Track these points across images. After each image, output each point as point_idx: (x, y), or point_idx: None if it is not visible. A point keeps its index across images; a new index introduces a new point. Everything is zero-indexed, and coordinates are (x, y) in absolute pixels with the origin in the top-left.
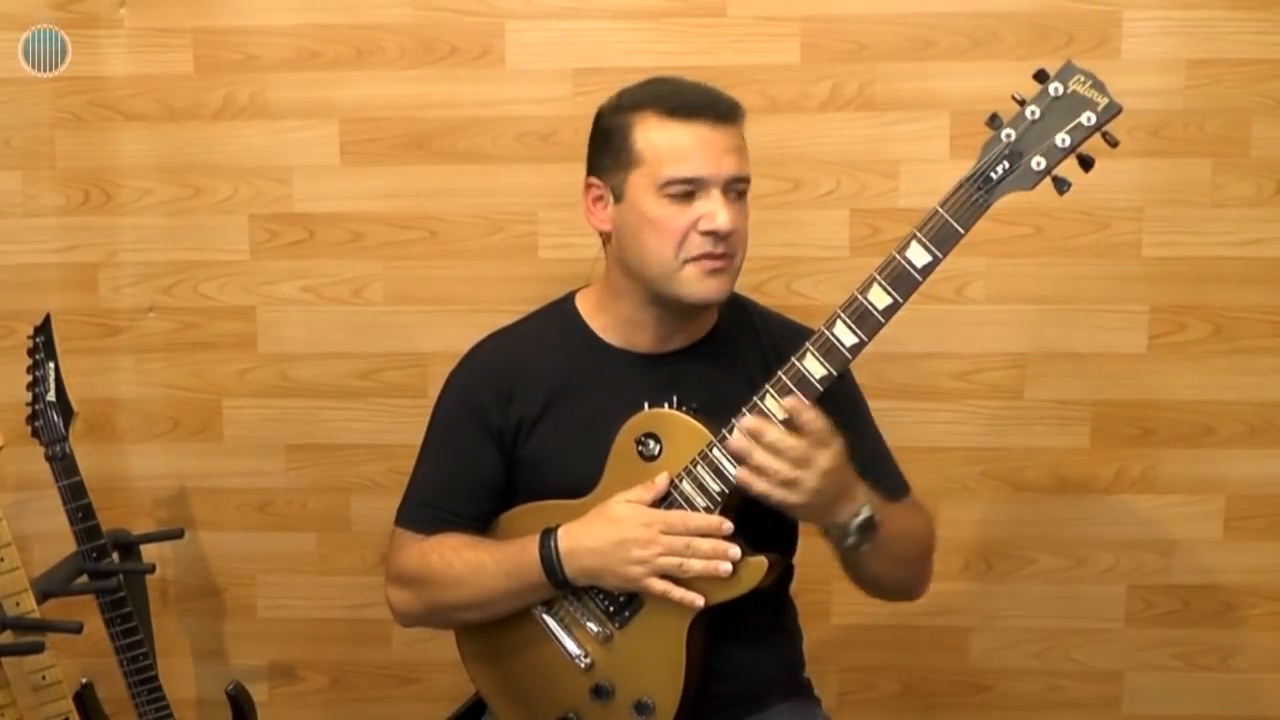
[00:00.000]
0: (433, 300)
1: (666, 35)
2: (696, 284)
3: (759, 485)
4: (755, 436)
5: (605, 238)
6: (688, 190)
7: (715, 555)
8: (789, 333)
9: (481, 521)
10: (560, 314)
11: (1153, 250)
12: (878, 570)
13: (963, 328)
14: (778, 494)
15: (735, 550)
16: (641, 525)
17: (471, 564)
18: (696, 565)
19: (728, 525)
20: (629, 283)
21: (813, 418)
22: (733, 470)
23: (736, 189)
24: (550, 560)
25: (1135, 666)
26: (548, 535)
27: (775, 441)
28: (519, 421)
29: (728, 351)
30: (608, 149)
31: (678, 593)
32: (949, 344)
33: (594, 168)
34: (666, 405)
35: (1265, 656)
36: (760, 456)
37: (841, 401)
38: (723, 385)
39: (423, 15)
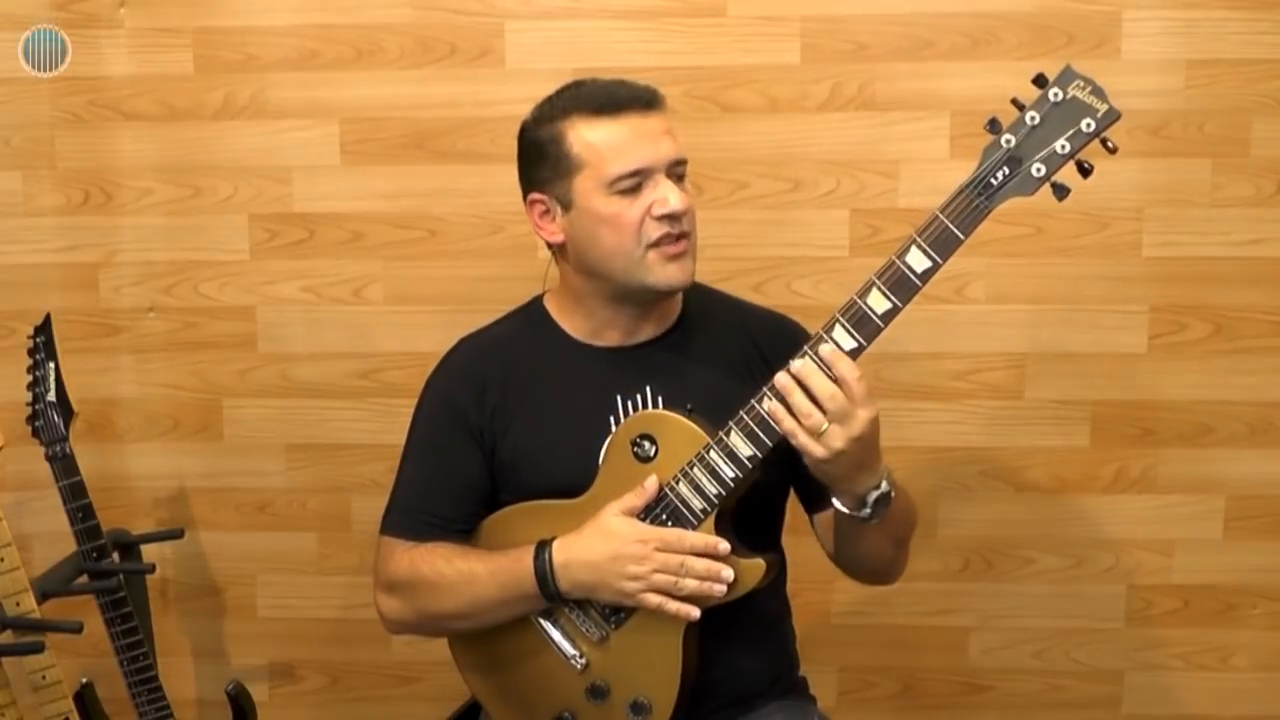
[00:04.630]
0: (433, 300)
1: (666, 35)
2: (661, 270)
3: (787, 423)
4: (801, 379)
5: (559, 249)
6: (635, 183)
7: (709, 576)
8: (766, 322)
9: (466, 525)
10: (530, 315)
11: (1153, 250)
12: (874, 547)
13: (963, 328)
14: (802, 438)
15: (729, 572)
16: (637, 541)
17: (464, 573)
18: (690, 584)
19: (724, 545)
20: (591, 284)
21: (849, 370)
22: (730, 473)
23: (677, 172)
24: (544, 573)
25: (1135, 666)
26: (542, 548)
27: (818, 389)
28: (494, 414)
29: (698, 339)
30: (544, 161)
31: (673, 606)
32: (949, 344)
33: (534, 183)
34: (659, 404)
35: (1265, 656)
36: (799, 399)
37: None
38: (693, 373)
39: (423, 15)
